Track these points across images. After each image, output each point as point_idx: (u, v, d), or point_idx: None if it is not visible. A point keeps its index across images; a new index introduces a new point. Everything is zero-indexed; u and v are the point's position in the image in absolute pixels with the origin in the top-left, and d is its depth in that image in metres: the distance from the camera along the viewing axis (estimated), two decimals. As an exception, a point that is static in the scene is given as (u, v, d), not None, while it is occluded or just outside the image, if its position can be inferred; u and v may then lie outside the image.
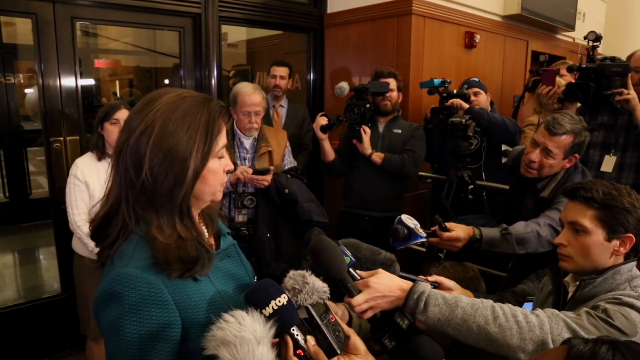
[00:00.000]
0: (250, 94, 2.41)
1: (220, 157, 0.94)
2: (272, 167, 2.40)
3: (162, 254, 0.85)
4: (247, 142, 2.44)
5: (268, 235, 2.41)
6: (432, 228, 1.72)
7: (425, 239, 1.63)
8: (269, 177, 2.34)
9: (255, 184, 2.34)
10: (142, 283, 0.82)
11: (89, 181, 2.20)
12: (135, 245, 0.87)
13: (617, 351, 0.68)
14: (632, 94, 2.29)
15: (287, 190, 2.34)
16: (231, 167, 0.98)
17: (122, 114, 2.20)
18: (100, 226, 0.92)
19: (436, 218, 1.72)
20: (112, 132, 2.20)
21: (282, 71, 3.28)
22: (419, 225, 1.62)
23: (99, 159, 2.24)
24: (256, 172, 2.33)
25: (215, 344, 0.77)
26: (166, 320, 0.84)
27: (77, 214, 2.19)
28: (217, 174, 0.93)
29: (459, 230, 1.70)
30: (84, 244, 2.20)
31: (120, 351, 0.82)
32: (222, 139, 0.93)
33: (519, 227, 1.75)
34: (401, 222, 1.60)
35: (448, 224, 1.72)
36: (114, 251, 0.89)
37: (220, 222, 1.08)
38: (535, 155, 1.87)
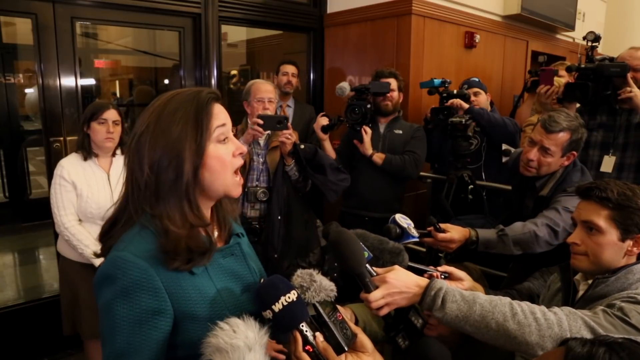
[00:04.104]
0: (263, 83, 2.49)
1: (222, 141, 0.93)
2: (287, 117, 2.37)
3: (172, 243, 0.86)
4: (261, 139, 2.43)
5: (279, 217, 2.39)
6: (428, 228, 1.72)
7: (417, 239, 1.63)
8: (288, 130, 2.28)
9: (281, 137, 2.29)
10: (134, 268, 0.84)
11: (76, 181, 2.15)
12: (136, 233, 0.89)
13: (615, 353, 0.68)
14: (635, 91, 2.29)
15: (302, 146, 2.33)
16: (243, 150, 0.97)
17: (110, 114, 2.18)
18: (109, 226, 0.95)
19: (431, 219, 1.72)
20: (99, 131, 2.16)
21: (292, 69, 3.31)
22: (412, 225, 1.61)
23: (85, 158, 2.20)
24: (272, 119, 2.26)
25: (211, 351, 0.80)
26: (156, 307, 0.85)
27: (65, 215, 2.14)
28: (222, 159, 0.92)
29: (453, 232, 1.70)
30: (73, 246, 2.15)
31: (111, 332, 0.84)
32: (217, 121, 0.92)
33: (516, 228, 1.75)
34: (394, 222, 1.60)
35: (443, 225, 1.71)
36: (115, 241, 0.92)
37: (234, 223, 1.08)
38: (533, 153, 1.87)
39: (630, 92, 2.28)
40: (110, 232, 0.95)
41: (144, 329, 0.84)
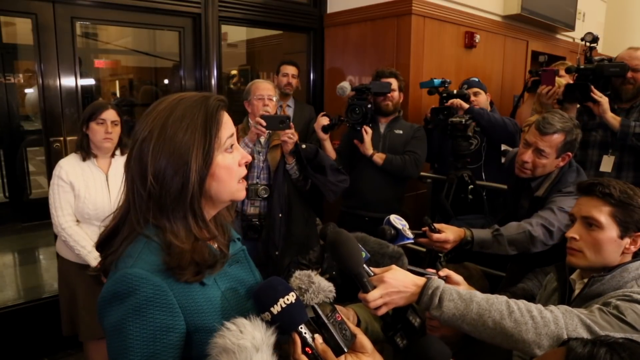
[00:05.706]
0: (262, 82, 2.52)
1: (229, 151, 0.92)
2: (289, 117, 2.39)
3: (176, 258, 0.84)
4: (262, 138, 2.44)
5: (280, 215, 2.40)
6: (423, 229, 1.72)
7: (412, 240, 1.62)
8: (291, 130, 2.30)
9: (283, 137, 2.31)
10: (147, 284, 0.81)
11: (74, 182, 2.15)
12: (143, 247, 0.86)
13: (615, 353, 0.68)
14: (604, 100, 2.33)
15: (304, 146, 2.35)
16: (248, 159, 0.96)
17: (109, 114, 2.18)
18: (107, 237, 0.92)
19: (425, 219, 1.72)
20: (97, 132, 2.16)
21: (292, 70, 3.31)
22: (407, 226, 1.59)
23: (84, 159, 2.20)
24: (274, 119, 2.28)
25: (218, 351, 0.79)
26: (170, 324, 0.82)
27: (62, 216, 2.14)
28: (229, 168, 0.91)
29: (448, 232, 1.70)
30: (70, 247, 2.14)
31: (123, 353, 0.81)
32: (226, 131, 0.90)
33: (511, 228, 1.75)
34: (389, 223, 1.58)
35: (438, 226, 1.71)
36: (118, 256, 0.88)
37: (231, 229, 1.06)
38: (528, 155, 1.87)
39: (601, 97, 2.32)
40: (109, 243, 0.91)
41: (158, 347, 0.81)
